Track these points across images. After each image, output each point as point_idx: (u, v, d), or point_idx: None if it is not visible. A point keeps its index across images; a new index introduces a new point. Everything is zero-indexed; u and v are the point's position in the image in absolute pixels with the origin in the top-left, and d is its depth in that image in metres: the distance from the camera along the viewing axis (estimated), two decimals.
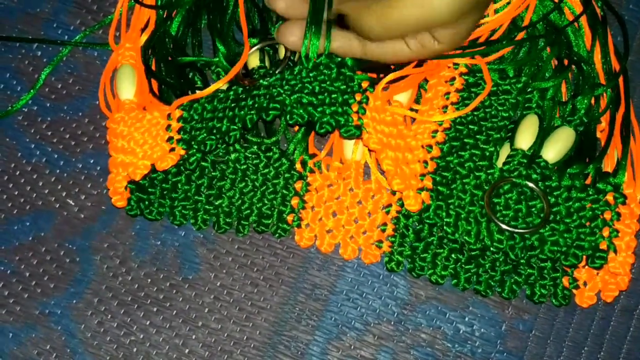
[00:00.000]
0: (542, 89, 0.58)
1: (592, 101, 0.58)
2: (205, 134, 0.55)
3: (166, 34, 0.59)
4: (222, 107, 0.55)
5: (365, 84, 0.55)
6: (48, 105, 0.60)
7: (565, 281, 0.56)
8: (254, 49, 0.58)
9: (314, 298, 0.57)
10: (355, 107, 0.55)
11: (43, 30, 0.62)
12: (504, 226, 0.54)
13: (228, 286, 0.57)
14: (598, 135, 0.58)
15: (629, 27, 0.61)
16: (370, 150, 0.57)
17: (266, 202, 0.57)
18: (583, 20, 0.59)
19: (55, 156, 0.59)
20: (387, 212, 0.57)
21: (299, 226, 0.57)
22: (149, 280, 0.57)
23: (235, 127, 0.55)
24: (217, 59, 0.58)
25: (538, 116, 0.57)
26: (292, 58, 0.57)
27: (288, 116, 0.54)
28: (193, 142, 0.55)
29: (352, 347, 0.57)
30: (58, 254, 0.58)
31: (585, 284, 0.56)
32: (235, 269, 0.58)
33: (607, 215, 0.55)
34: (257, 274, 0.57)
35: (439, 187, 0.55)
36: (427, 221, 0.56)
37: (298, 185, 0.58)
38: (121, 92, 0.58)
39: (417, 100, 0.58)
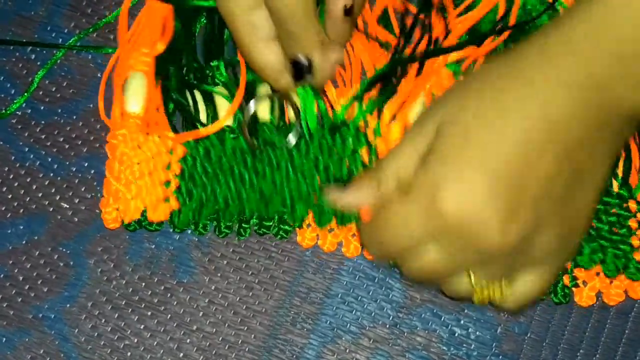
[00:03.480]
0: None
1: None
2: (203, 194, 0.55)
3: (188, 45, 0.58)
4: (228, 168, 0.55)
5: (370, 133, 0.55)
6: (42, 108, 0.60)
7: (565, 279, 0.56)
8: (253, 100, 0.56)
9: (309, 301, 0.57)
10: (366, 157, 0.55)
11: (37, 34, 0.61)
12: None
13: (223, 290, 0.57)
14: None
15: None
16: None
17: None
18: None
19: (49, 159, 0.59)
20: None
21: (300, 227, 0.57)
22: (143, 284, 0.57)
23: (234, 212, 0.55)
24: (214, 63, 0.58)
25: None
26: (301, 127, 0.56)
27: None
28: (188, 202, 0.55)
29: (348, 350, 0.56)
30: (52, 257, 0.58)
31: (584, 282, 0.56)
32: (230, 272, 0.57)
33: (633, 224, 0.55)
34: (252, 278, 0.57)
35: None
36: None
37: None
38: (129, 103, 0.57)
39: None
